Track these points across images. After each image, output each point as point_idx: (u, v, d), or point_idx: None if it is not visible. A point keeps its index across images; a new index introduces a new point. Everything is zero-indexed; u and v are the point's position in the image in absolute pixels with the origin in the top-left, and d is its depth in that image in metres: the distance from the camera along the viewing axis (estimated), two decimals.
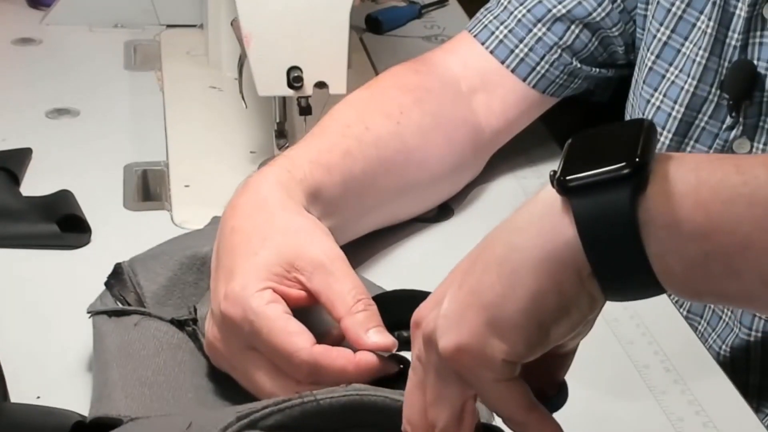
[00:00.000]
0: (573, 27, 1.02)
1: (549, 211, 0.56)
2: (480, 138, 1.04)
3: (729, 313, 0.96)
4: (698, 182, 0.53)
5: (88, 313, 0.81)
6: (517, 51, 1.03)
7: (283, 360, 0.72)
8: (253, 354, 0.73)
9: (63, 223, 0.96)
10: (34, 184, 1.05)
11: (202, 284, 0.82)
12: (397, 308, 0.74)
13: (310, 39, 0.98)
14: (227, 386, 0.76)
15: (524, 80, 1.04)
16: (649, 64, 0.99)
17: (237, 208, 0.81)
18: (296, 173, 0.85)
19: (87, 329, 0.85)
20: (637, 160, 0.54)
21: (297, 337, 0.72)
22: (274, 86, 0.99)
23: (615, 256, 0.54)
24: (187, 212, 1.02)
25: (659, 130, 0.97)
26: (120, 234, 0.98)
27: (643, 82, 1.00)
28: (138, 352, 0.76)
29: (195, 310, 0.79)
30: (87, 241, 0.97)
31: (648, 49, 0.99)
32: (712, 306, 0.97)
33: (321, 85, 0.99)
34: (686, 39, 0.96)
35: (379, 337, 0.73)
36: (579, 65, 1.04)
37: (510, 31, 1.04)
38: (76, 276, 0.92)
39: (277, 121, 1.04)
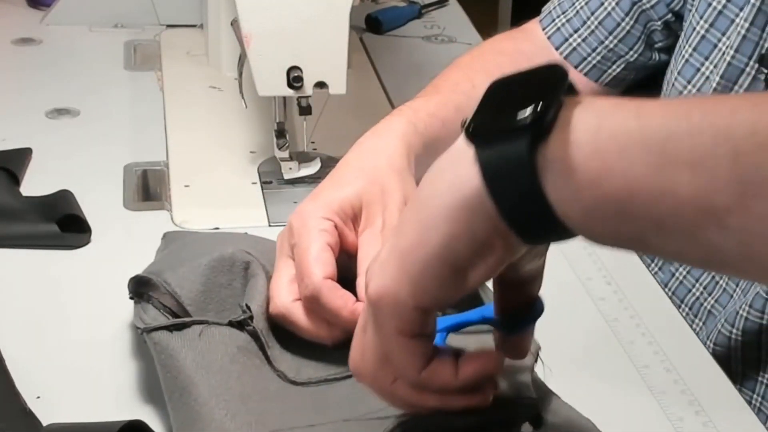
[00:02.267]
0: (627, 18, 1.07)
1: (460, 158, 0.57)
2: None
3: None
4: (598, 128, 0.53)
5: (142, 330, 0.77)
6: (570, 40, 1.09)
7: (298, 275, 0.79)
8: (287, 260, 0.81)
9: (63, 223, 0.96)
10: (34, 184, 1.05)
11: (236, 284, 0.81)
12: None
13: (310, 39, 0.98)
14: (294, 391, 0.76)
15: (576, 67, 1.09)
16: (686, 56, 0.99)
17: (357, 146, 0.90)
18: (419, 126, 0.91)
19: (87, 329, 0.85)
20: (537, 109, 0.54)
21: (316, 265, 0.78)
22: (274, 86, 0.99)
23: (519, 204, 0.55)
24: (187, 212, 1.02)
25: None
26: (120, 234, 0.98)
27: (678, 73, 1.00)
28: (214, 363, 0.75)
29: (248, 308, 0.78)
30: (87, 241, 0.97)
31: (687, 41, 0.99)
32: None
33: (321, 85, 0.99)
34: (723, 35, 0.96)
35: None
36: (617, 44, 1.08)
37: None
38: (76, 276, 0.92)
39: (277, 121, 1.04)
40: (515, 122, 0.54)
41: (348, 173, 0.86)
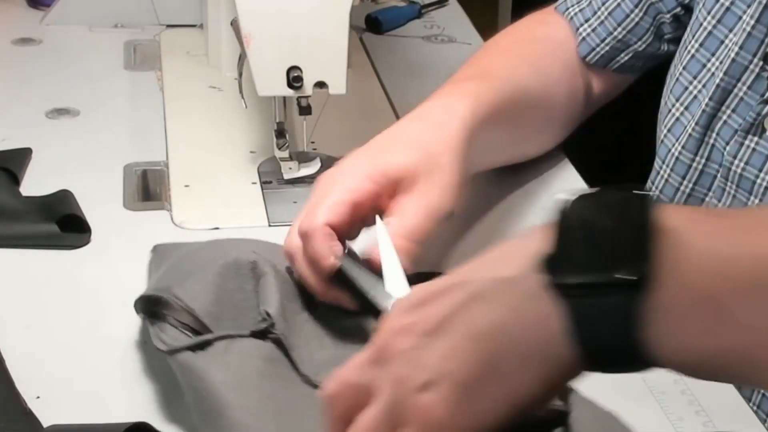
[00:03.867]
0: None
1: (532, 297, 0.53)
2: (590, 96, 1.11)
3: None
4: (703, 268, 0.50)
5: (166, 351, 0.75)
6: (580, 30, 1.10)
7: (305, 212, 0.81)
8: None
9: (63, 223, 0.96)
10: (34, 184, 1.05)
11: (246, 287, 0.80)
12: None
13: (310, 39, 0.98)
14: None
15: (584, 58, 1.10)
16: (692, 51, 0.99)
17: (420, 114, 0.91)
18: (477, 111, 0.92)
19: (87, 329, 0.85)
20: (634, 264, 0.51)
21: (324, 209, 0.80)
22: (274, 86, 0.99)
23: (612, 353, 0.53)
24: (187, 212, 1.02)
25: (690, 119, 0.97)
26: (120, 234, 0.98)
27: (683, 67, 1.00)
28: (245, 381, 0.73)
29: (268, 314, 0.77)
30: (87, 241, 0.97)
31: (693, 36, 0.99)
32: None
33: (321, 85, 0.99)
34: (730, 31, 0.96)
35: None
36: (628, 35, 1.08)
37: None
38: (76, 276, 0.92)
39: (277, 121, 1.04)
40: (612, 278, 0.51)
41: (406, 142, 0.87)
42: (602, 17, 1.08)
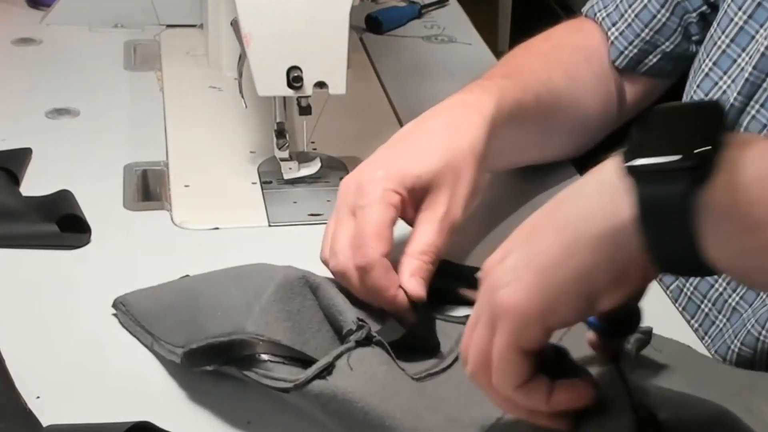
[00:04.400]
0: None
1: (611, 187, 0.59)
2: (623, 103, 1.12)
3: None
4: (762, 174, 0.55)
5: (293, 387, 0.72)
6: (608, 34, 1.10)
7: (356, 241, 0.82)
8: (349, 217, 0.84)
9: (63, 223, 0.96)
10: (34, 184, 1.05)
11: (308, 302, 0.79)
12: (450, 278, 0.87)
13: (310, 39, 0.98)
14: None
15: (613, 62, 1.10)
16: (723, 47, 0.98)
17: (445, 110, 0.91)
18: (504, 109, 0.92)
19: (87, 329, 0.85)
20: (700, 151, 0.55)
21: (376, 240, 0.81)
22: (274, 86, 0.99)
23: (671, 243, 0.57)
24: (187, 212, 1.02)
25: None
26: (120, 234, 0.98)
27: (713, 63, 0.99)
28: (387, 387, 0.73)
29: (362, 321, 0.77)
30: (87, 241, 0.97)
31: (723, 32, 0.98)
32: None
33: (321, 85, 0.99)
34: (761, 26, 0.95)
35: (414, 284, 0.82)
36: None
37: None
38: (76, 276, 0.92)
39: (277, 121, 1.04)
40: (677, 163, 0.56)
41: (429, 146, 0.88)
42: (629, 20, 1.08)
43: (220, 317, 0.78)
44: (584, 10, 1.13)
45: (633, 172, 0.58)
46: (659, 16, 1.07)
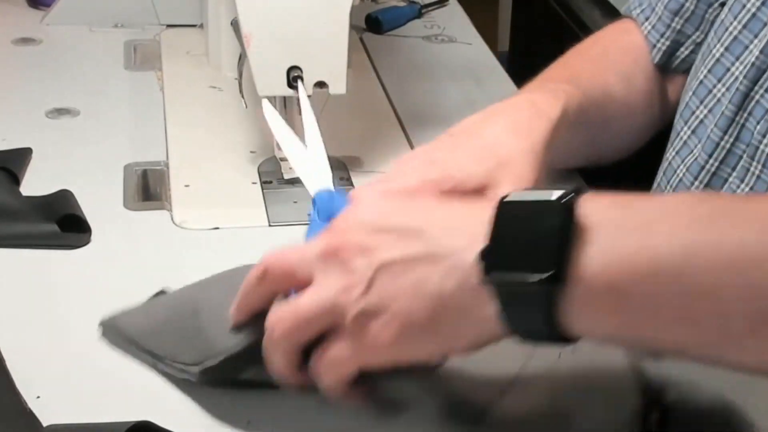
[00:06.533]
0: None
1: (474, 287, 0.63)
2: (666, 103, 1.12)
3: None
4: (608, 264, 0.59)
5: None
6: (641, 28, 1.10)
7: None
8: None
9: (63, 223, 0.96)
10: (34, 184, 1.05)
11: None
12: None
13: (310, 39, 0.98)
14: None
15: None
16: (717, 55, 0.99)
17: (512, 110, 0.90)
18: (570, 115, 0.93)
19: (87, 329, 0.85)
20: (554, 266, 0.59)
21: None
22: (274, 86, 0.99)
23: (534, 335, 0.63)
24: (187, 212, 1.02)
25: (711, 126, 0.97)
26: (120, 234, 0.98)
27: (708, 71, 1.00)
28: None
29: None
30: (87, 241, 0.97)
31: (719, 40, 0.99)
32: None
33: (321, 85, 0.99)
34: (755, 37, 0.95)
35: None
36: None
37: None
38: (76, 276, 0.92)
39: None
40: (535, 277, 0.60)
41: (480, 143, 0.86)
42: (659, 12, 1.08)
43: (227, 327, 0.77)
44: (623, 10, 1.14)
45: (491, 277, 0.62)
46: (687, 4, 1.07)
